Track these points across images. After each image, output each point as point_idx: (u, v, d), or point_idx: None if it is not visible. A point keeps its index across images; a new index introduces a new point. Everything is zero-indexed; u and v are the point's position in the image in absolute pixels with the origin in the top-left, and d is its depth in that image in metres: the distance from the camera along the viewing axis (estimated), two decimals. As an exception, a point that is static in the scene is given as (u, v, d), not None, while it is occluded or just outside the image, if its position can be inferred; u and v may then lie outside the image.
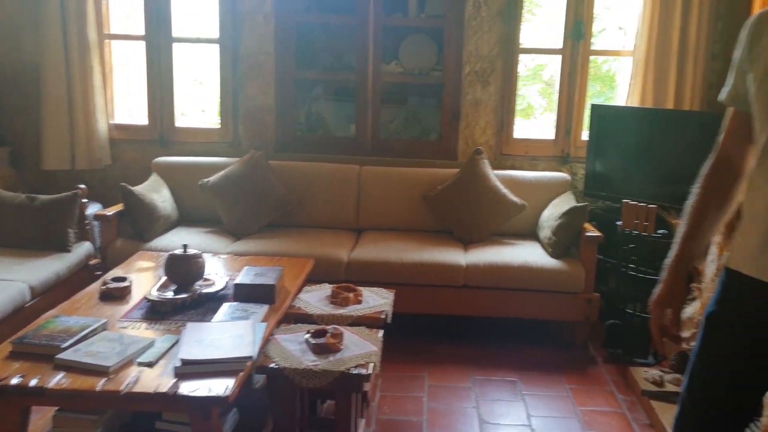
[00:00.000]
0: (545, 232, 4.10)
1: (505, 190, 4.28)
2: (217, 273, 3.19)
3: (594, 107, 4.36)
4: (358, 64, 4.61)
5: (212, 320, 2.64)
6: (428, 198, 4.37)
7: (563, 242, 3.94)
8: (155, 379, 2.16)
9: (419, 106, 5.00)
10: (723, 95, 1.73)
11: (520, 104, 6.72)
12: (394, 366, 3.58)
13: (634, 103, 4.30)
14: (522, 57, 4.75)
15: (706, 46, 4.21)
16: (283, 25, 4.59)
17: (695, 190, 1.76)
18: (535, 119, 7.90)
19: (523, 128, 6.94)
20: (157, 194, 4.27)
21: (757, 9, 4.00)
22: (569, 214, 3.94)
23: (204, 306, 2.80)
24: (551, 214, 4.16)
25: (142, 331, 2.54)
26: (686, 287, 1.78)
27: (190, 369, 2.21)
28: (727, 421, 1.68)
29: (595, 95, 6.41)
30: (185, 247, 2.93)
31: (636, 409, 3.27)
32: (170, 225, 4.28)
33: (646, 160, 4.13)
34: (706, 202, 1.73)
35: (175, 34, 4.69)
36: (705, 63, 4.24)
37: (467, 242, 4.21)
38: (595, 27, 5.64)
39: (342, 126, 4.98)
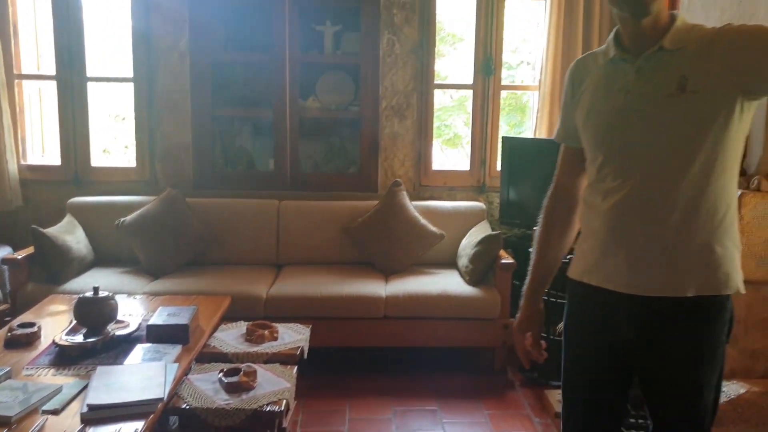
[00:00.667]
0: (463, 261, 4.20)
1: (424, 221, 4.37)
2: (131, 314, 3.15)
3: (505, 139, 4.51)
4: (276, 100, 4.65)
5: (124, 363, 2.60)
6: (348, 230, 4.42)
7: (480, 270, 4.04)
8: (61, 427, 2.11)
9: (339, 140, 5.07)
10: (555, 134, 1.93)
11: (447, 134, 6.90)
12: (316, 401, 3.58)
13: (542, 134, 4.48)
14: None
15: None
16: (199, 63, 4.60)
17: (539, 220, 1.93)
18: (462, 148, 8.10)
19: (452, 157, 7.13)
20: (71, 235, 4.18)
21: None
22: (484, 242, 4.06)
23: (116, 349, 2.76)
24: (468, 242, 4.27)
25: (49, 378, 2.48)
26: (542, 311, 1.94)
27: (98, 414, 2.17)
28: (601, 424, 1.81)
29: (515, 125, 6.63)
30: (96, 289, 2.89)
31: (550, 431, 3.36)
32: (85, 267, 4.19)
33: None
34: (549, 231, 1.91)
35: (89, 72, 4.63)
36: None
37: (388, 273, 4.27)
38: (514, 60, 5.86)
39: (262, 161, 5.00)
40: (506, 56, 4.90)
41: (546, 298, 3.82)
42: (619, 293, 1.68)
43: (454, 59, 7.16)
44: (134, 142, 4.76)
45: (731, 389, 2.56)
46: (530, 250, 3.72)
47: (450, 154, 7.55)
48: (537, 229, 1.94)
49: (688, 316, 1.64)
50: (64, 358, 2.65)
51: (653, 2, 1.57)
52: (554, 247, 1.91)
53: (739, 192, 2.58)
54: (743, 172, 2.75)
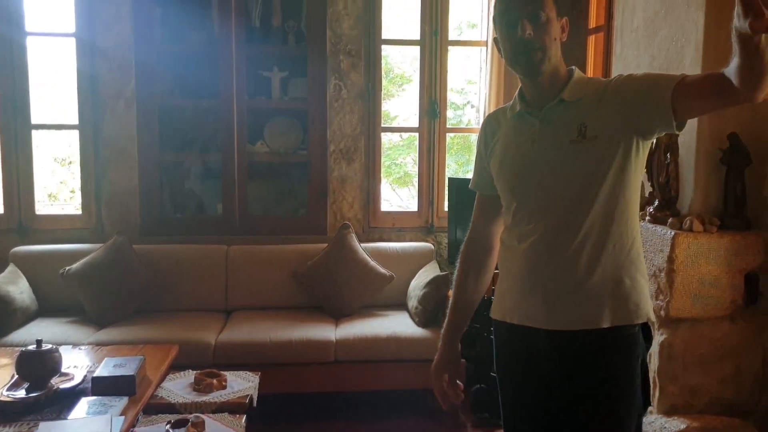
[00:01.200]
0: (413, 302, 4.24)
1: (373, 263, 4.41)
2: (76, 366, 3.09)
3: (451, 180, 4.60)
4: (224, 145, 4.67)
5: (68, 417, 2.55)
6: (298, 274, 4.43)
7: (429, 311, 4.08)
8: (0, 488, 2.06)
9: (288, 183, 5.10)
10: (470, 183, 2.04)
11: (397, 173, 7.01)
12: (267, 448, 3.54)
13: (488, 175, 4.57)
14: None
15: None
16: (146, 109, 4.60)
17: (457, 264, 2.01)
18: (413, 186, 8.22)
19: (403, 196, 7.23)
20: (14, 286, 4.09)
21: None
22: (433, 283, 4.11)
23: (60, 403, 2.70)
24: (417, 283, 4.32)
25: (-12, 437, 2.42)
26: (459, 352, 2.01)
27: (40, 473, 2.13)
28: None
29: (464, 163, 6.78)
30: (39, 342, 2.83)
31: (502, 470, 3.38)
32: (29, 317, 4.10)
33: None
34: (465, 275, 1.99)
35: (33, 119, 4.58)
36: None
37: (338, 317, 4.28)
38: (461, 100, 6.00)
39: (210, 205, 4.99)
40: (453, 96, 5.02)
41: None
42: (540, 330, 1.76)
43: (403, 99, 7.31)
44: (80, 190, 4.71)
45: (672, 425, 2.63)
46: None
47: (401, 193, 7.67)
48: (454, 273, 2.02)
49: (604, 347, 1.72)
50: (5, 414, 2.59)
51: (542, 64, 1.72)
52: (470, 291, 1.99)
53: (672, 232, 2.68)
54: (677, 213, 2.86)
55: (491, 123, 1.95)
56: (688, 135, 2.83)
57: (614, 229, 1.72)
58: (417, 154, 4.90)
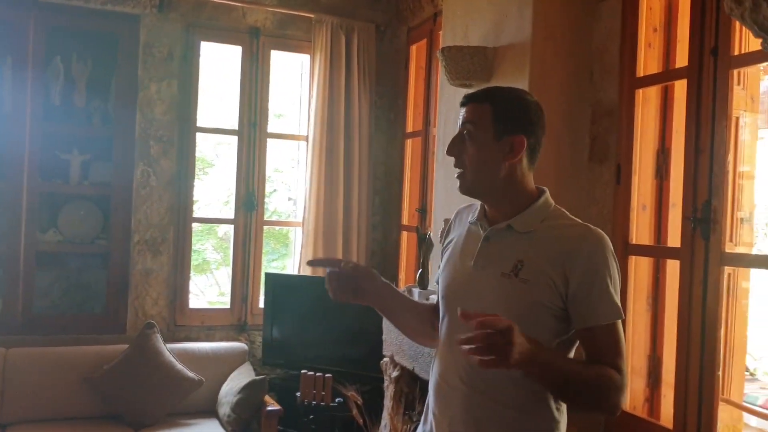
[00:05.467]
0: (224, 409, 3.91)
1: (180, 366, 4.04)
2: None
3: (268, 276, 4.42)
4: (9, 234, 4.11)
5: None
6: (92, 380, 3.93)
7: (244, 419, 3.80)
8: None
9: (83, 277, 4.59)
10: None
11: (195, 260, 6.63)
12: None
13: (307, 271, 4.45)
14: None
15: (366, 217, 4.60)
16: None
17: None
18: (210, 273, 7.84)
19: (199, 284, 6.84)
20: None
21: (407, 193, 4.54)
22: (248, 388, 3.85)
23: None
24: (230, 388, 4.00)
25: None
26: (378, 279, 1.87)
27: None
28: None
29: (279, 257, 6.59)
30: None
31: None
32: None
33: (321, 326, 4.24)
34: (416, 305, 1.99)
35: None
36: (367, 233, 4.61)
37: (138, 427, 3.85)
38: (267, 188, 5.87)
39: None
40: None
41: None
42: None
43: (205, 183, 7.03)
44: None
45: None
46: (297, 394, 3.64)
47: (197, 280, 7.27)
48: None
49: None
50: None
51: (464, 185, 1.67)
52: (408, 308, 1.92)
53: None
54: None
55: (456, 219, 1.86)
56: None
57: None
58: (232, 248, 4.65)
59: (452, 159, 1.69)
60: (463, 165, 1.65)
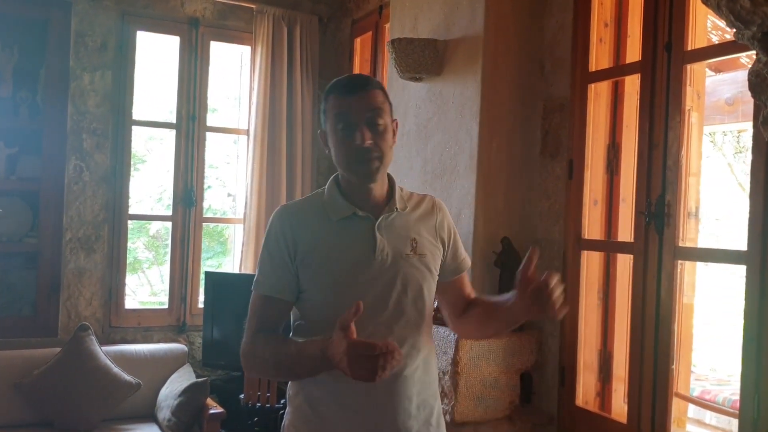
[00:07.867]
0: (164, 413, 3.76)
1: (116, 369, 3.86)
2: None
3: (208, 274, 4.28)
4: (-72, 231, 3.86)
5: None
6: (21, 386, 3.72)
7: (184, 423, 3.65)
8: None
9: (9, 277, 4.34)
10: (261, 286, 1.80)
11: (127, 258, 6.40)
12: None
13: (248, 269, 4.32)
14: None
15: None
16: None
17: (257, 352, 1.78)
18: (142, 272, 7.59)
19: (131, 282, 6.59)
20: None
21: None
22: (189, 391, 3.70)
23: None
24: (170, 391, 3.85)
25: None
26: None
27: None
28: None
29: (216, 255, 6.40)
30: None
31: None
32: None
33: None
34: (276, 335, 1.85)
35: None
36: (310, 229, 4.50)
37: (72, 435, 3.64)
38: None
39: None
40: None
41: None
42: None
43: (136, 180, 6.78)
44: None
45: None
46: (240, 396, 3.54)
47: (128, 280, 7.01)
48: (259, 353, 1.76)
49: None
50: None
51: (379, 172, 1.68)
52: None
53: (456, 335, 2.66)
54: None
55: (293, 223, 1.73)
56: (465, 237, 2.88)
57: (430, 359, 1.82)
58: (170, 246, 4.48)
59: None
60: (381, 155, 1.67)
